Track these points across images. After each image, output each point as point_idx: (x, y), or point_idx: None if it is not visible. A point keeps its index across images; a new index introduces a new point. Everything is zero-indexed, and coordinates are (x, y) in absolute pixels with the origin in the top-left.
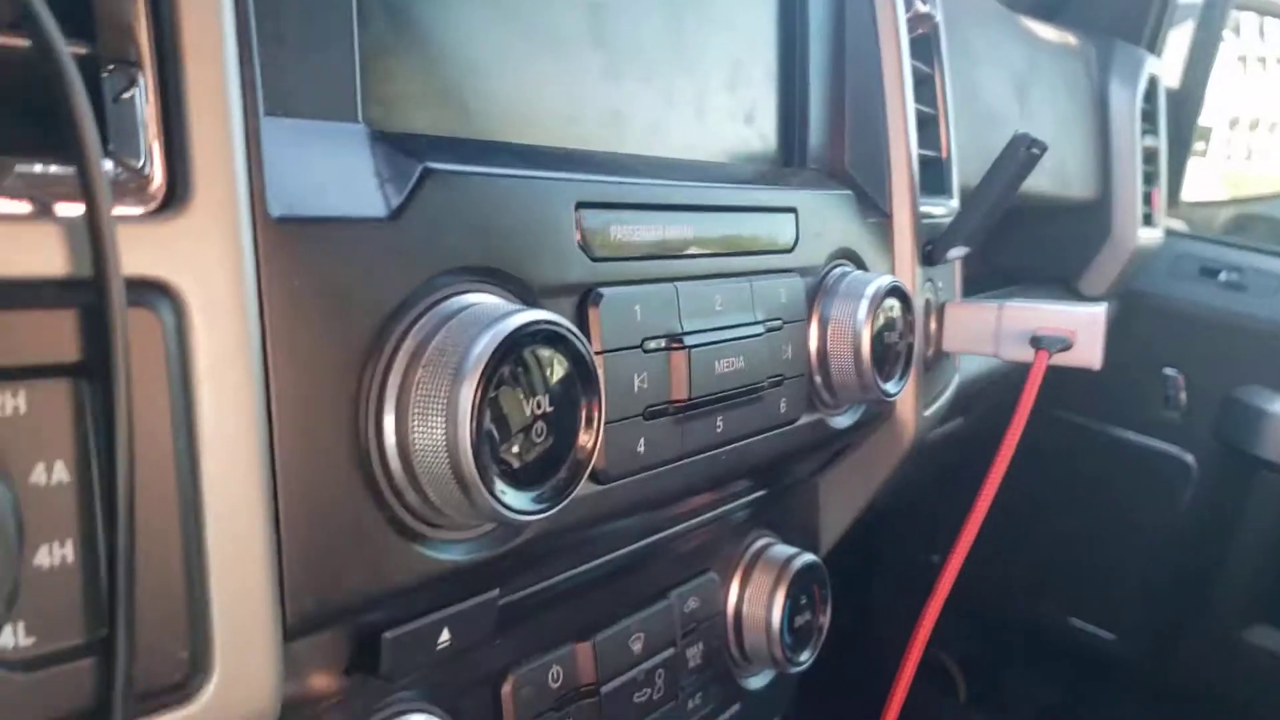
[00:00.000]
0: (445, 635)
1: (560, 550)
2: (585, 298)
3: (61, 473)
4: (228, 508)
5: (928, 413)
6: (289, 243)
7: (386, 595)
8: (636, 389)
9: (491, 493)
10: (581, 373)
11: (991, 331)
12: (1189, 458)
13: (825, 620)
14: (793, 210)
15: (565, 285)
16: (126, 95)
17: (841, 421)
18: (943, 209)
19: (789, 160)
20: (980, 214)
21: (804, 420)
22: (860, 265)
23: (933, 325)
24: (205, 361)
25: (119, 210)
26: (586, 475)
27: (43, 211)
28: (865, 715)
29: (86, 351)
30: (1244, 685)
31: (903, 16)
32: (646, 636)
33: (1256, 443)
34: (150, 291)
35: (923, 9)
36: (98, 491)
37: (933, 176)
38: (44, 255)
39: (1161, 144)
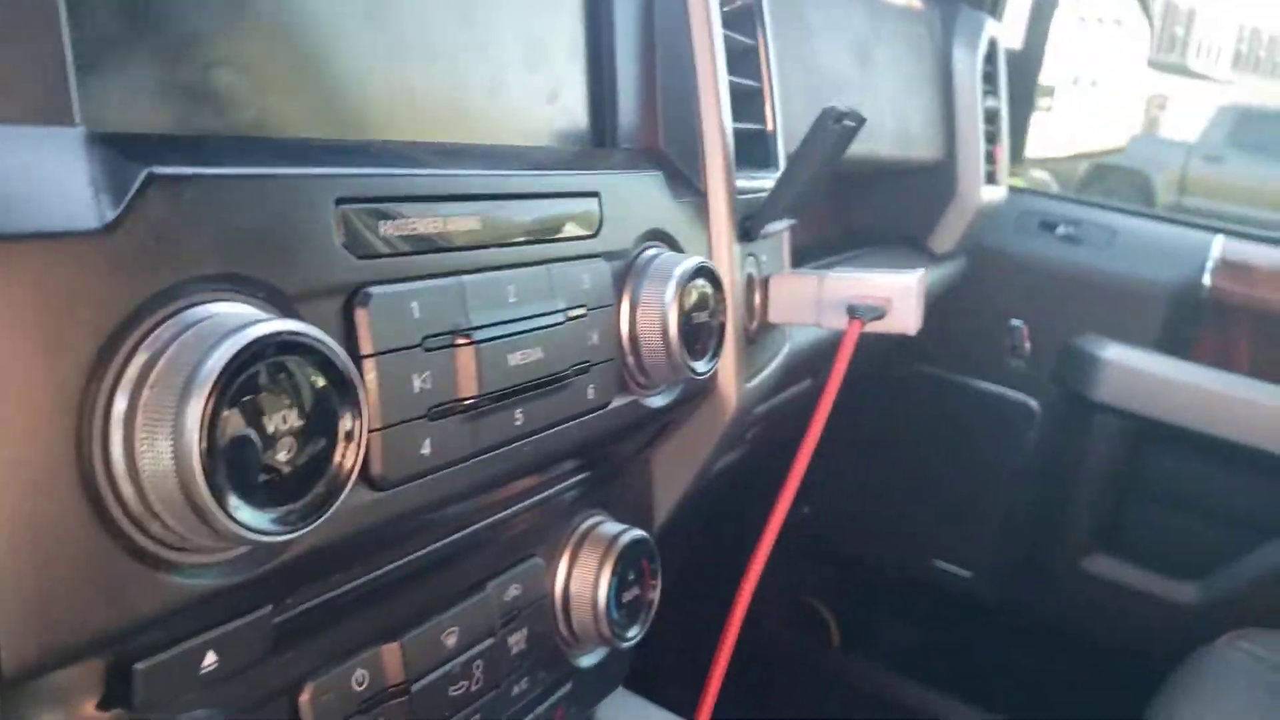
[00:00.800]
0: (210, 659)
1: (340, 561)
2: (351, 299)
3: None
4: None
5: (750, 385)
6: None
7: (130, 629)
8: (418, 389)
9: (227, 513)
10: (335, 380)
11: (813, 302)
12: (1033, 403)
13: (655, 595)
14: (595, 194)
15: (326, 288)
16: None
17: (657, 401)
18: (769, 182)
19: (600, 140)
20: (796, 188)
21: (617, 403)
22: (674, 246)
23: (757, 298)
24: None
25: None
26: (347, 491)
27: None
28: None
29: None
30: (1085, 611)
31: None
32: (461, 630)
33: (1092, 387)
34: None
35: None
36: None
37: (758, 150)
38: None
39: (1002, 104)
